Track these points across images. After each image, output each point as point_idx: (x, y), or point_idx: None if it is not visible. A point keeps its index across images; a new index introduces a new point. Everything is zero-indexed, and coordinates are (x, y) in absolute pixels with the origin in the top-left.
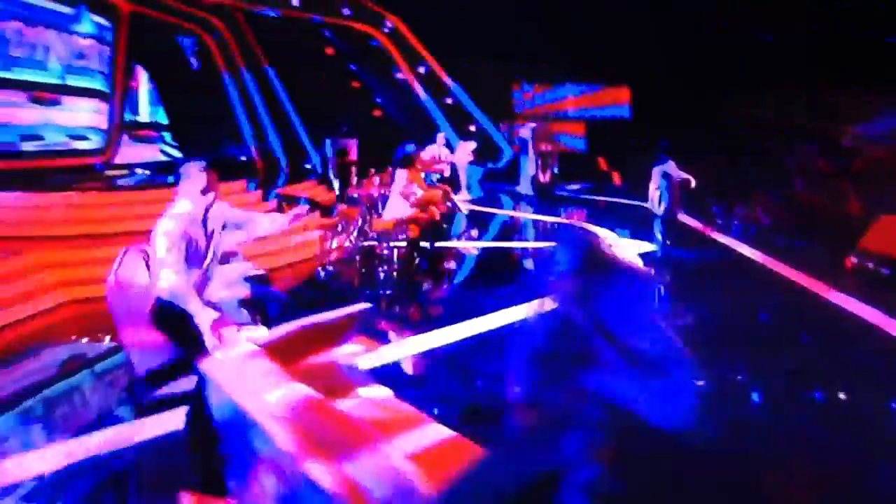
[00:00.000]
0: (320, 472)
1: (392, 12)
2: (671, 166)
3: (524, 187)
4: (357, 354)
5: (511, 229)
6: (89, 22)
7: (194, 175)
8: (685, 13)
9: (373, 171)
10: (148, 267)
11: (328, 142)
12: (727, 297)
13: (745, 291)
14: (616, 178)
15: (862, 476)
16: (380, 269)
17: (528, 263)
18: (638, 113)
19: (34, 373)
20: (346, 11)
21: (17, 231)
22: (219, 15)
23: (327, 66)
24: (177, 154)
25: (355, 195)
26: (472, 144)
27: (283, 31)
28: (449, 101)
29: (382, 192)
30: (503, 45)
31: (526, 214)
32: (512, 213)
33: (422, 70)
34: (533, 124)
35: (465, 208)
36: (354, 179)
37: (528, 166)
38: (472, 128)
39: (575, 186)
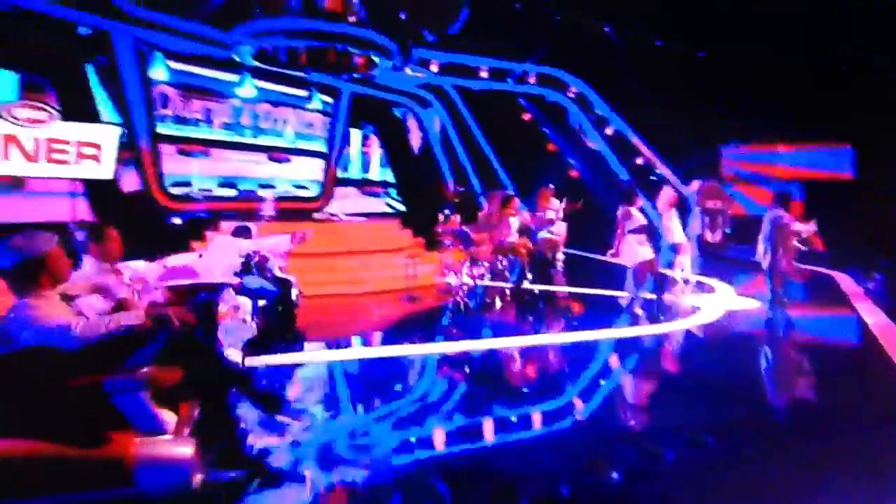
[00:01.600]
0: None
1: (576, 74)
2: (776, 214)
3: None
4: None
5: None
6: (318, 100)
7: None
8: None
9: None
10: None
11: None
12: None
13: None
14: (818, 244)
15: None
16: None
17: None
18: (862, 174)
19: None
20: (531, 80)
21: None
22: (427, 90)
23: (525, 131)
24: (400, 207)
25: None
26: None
27: (484, 101)
28: (639, 161)
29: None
30: (703, 104)
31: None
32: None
33: (609, 131)
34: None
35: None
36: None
37: (693, 224)
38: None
39: None
